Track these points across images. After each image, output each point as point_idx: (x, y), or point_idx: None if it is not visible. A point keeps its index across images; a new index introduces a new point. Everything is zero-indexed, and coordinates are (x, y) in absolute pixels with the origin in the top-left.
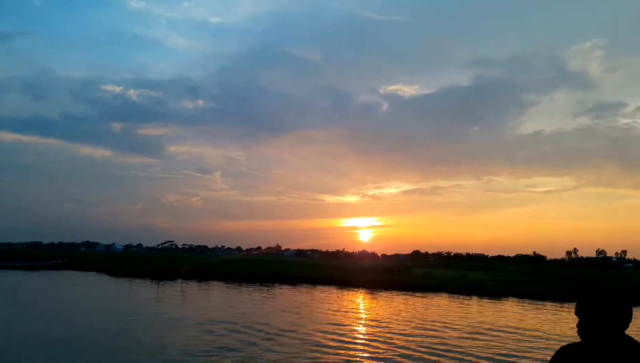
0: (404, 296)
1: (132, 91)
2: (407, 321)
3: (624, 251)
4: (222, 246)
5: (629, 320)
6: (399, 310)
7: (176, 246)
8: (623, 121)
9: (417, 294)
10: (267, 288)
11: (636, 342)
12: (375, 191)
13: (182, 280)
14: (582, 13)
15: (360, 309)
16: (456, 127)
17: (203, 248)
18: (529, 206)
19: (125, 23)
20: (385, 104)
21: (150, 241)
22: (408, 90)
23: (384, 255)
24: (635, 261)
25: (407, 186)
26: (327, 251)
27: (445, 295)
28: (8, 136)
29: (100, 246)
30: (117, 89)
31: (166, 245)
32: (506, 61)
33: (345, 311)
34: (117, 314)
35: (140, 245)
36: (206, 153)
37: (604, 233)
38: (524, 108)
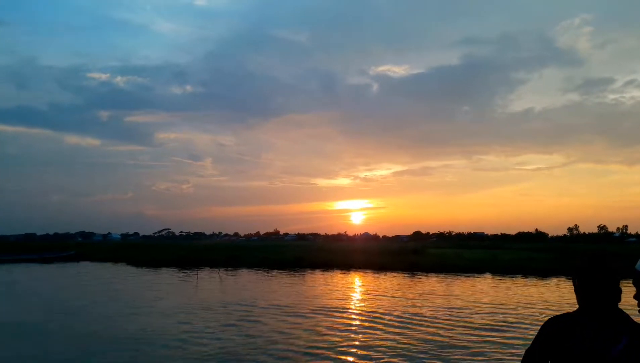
0: (457, 279)
1: (118, 78)
2: (516, 306)
3: (625, 226)
4: (220, 233)
5: (620, 292)
6: (483, 294)
7: (173, 233)
8: (611, 96)
9: (461, 276)
10: (298, 273)
11: (626, 314)
12: (367, 173)
13: (220, 268)
14: None
15: (446, 294)
16: (446, 106)
17: (200, 235)
18: (519, 183)
19: (109, 9)
20: (375, 85)
21: (145, 229)
22: (398, 70)
23: (384, 237)
24: (637, 236)
25: (398, 168)
26: (327, 235)
27: (489, 276)
28: None
29: (97, 236)
30: (104, 76)
31: (163, 232)
32: (495, 40)
33: (427, 294)
34: (196, 307)
35: (136, 234)
36: (196, 139)
37: (595, 209)
38: (514, 86)
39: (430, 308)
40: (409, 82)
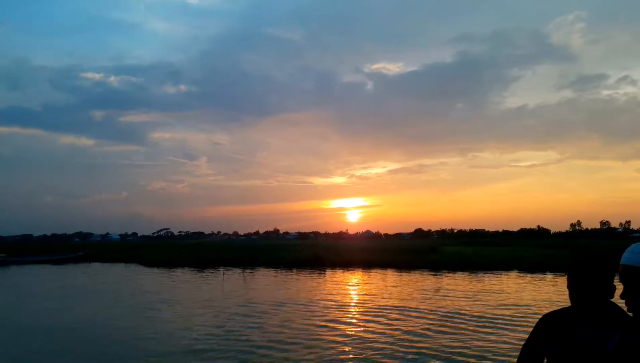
0: (489, 277)
1: (112, 78)
2: None
3: (628, 222)
4: (219, 232)
5: (615, 289)
6: (535, 292)
7: (172, 233)
8: (605, 92)
9: (488, 273)
10: (319, 272)
11: (621, 308)
12: (362, 172)
13: (243, 268)
14: None
15: (499, 291)
16: (441, 104)
17: (200, 234)
18: (514, 180)
19: (102, 8)
20: (369, 83)
21: (143, 229)
22: (392, 68)
23: (386, 235)
24: None
25: (393, 166)
26: (328, 233)
27: (515, 273)
28: None
29: (95, 236)
30: (97, 76)
31: (162, 232)
32: (489, 37)
33: (479, 293)
34: (266, 307)
35: (135, 234)
36: (190, 139)
37: (593, 205)
38: (508, 83)
39: (502, 308)
40: (403, 80)
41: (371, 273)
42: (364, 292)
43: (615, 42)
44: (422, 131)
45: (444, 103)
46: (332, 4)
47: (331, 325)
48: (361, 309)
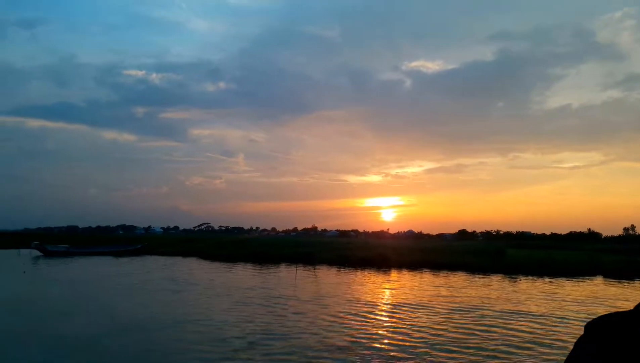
0: (579, 282)
1: (153, 75)
2: None
3: None
4: (257, 228)
5: None
6: None
7: (212, 228)
8: None
9: (572, 279)
10: (385, 271)
11: None
12: (398, 170)
13: (315, 265)
14: None
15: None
16: (480, 103)
17: (239, 230)
18: (555, 182)
19: (144, 7)
20: (407, 81)
21: (184, 223)
22: (431, 66)
23: (428, 235)
24: None
25: (430, 165)
26: (368, 231)
27: (600, 279)
28: (35, 123)
29: (139, 229)
30: (139, 73)
31: (202, 227)
32: (530, 34)
33: (594, 300)
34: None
35: (176, 227)
36: (228, 136)
37: (636, 209)
38: (550, 82)
39: None
40: (442, 78)
41: (450, 276)
42: (477, 296)
43: None
44: (460, 130)
45: (484, 102)
46: (369, 1)
47: (497, 329)
48: (501, 313)
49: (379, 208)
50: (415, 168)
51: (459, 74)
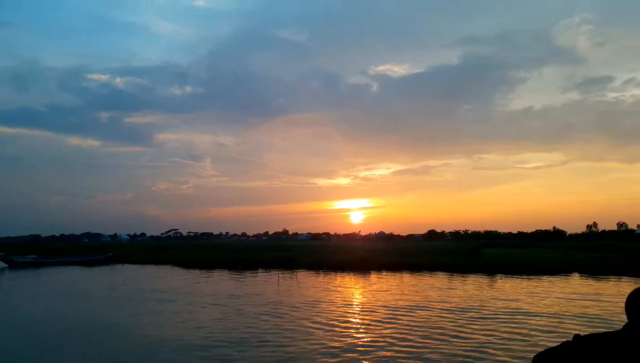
0: (563, 281)
1: (118, 79)
2: None
3: None
4: (227, 233)
5: None
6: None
7: (181, 234)
8: (611, 95)
9: (551, 277)
10: (366, 274)
11: None
12: (366, 173)
13: (296, 270)
14: None
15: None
16: (446, 105)
17: (209, 235)
18: (519, 182)
19: (109, 9)
20: (375, 85)
21: (151, 230)
22: (398, 70)
23: (398, 236)
24: None
25: (397, 167)
26: (339, 234)
27: (576, 276)
28: None
29: (104, 237)
30: (104, 77)
31: (171, 233)
32: (495, 39)
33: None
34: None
35: (143, 234)
36: (195, 140)
37: (594, 207)
38: (513, 85)
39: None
40: (409, 81)
41: (431, 277)
42: (469, 296)
43: (622, 45)
44: (427, 133)
45: (450, 105)
46: (339, 6)
47: (506, 333)
48: (499, 315)
49: (348, 210)
50: (382, 170)
51: (425, 78)
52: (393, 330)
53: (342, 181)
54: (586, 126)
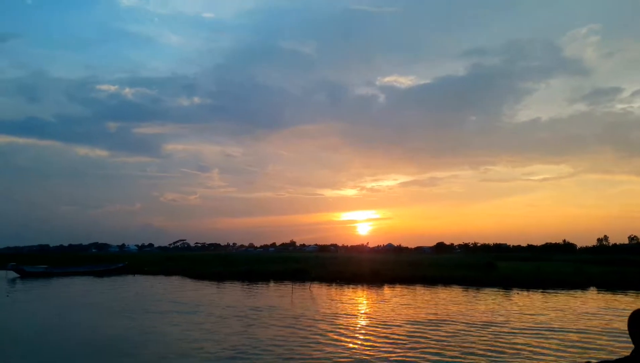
0: (582, 296)
1: (127, 90)
2: None
3: None
4: (234, 244)
5: None
6: None
7: (188, 244)
8: (619, 106)
9: (568, 292)
10: (378, 287)
11: None
12: (374, 184)
13: (310, 282)
14: None
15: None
16: (453, 117)
17: (216, 246)
18: (526, 194)
19: (117, 21)
20: (381, 96)
21: (159, 240)
22: (404, 81)
23: (407, 248)
24: None
25: (404, 178)
26: (347, 246)
27: (594, 290)
28: (3, 139)
29: (112, 247)
30: (112, 88)
31: (178, 244)
32: (501, 50)
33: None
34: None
35: (151, 245)
36: (203, 150)
37: (603, 219)
38: (521, 96)
39: None
40: (415, 93)
41: (446, 291)
42: (491, 310)
43: (630, 56)
44: (434, 144)
45: (456, 116)
46: (345, 18)
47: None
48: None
49: (355, 221)
50: (390, 181)
51: (431, 89)
52: (425, 345)
53: (349, 192)
54: (594, 137)
